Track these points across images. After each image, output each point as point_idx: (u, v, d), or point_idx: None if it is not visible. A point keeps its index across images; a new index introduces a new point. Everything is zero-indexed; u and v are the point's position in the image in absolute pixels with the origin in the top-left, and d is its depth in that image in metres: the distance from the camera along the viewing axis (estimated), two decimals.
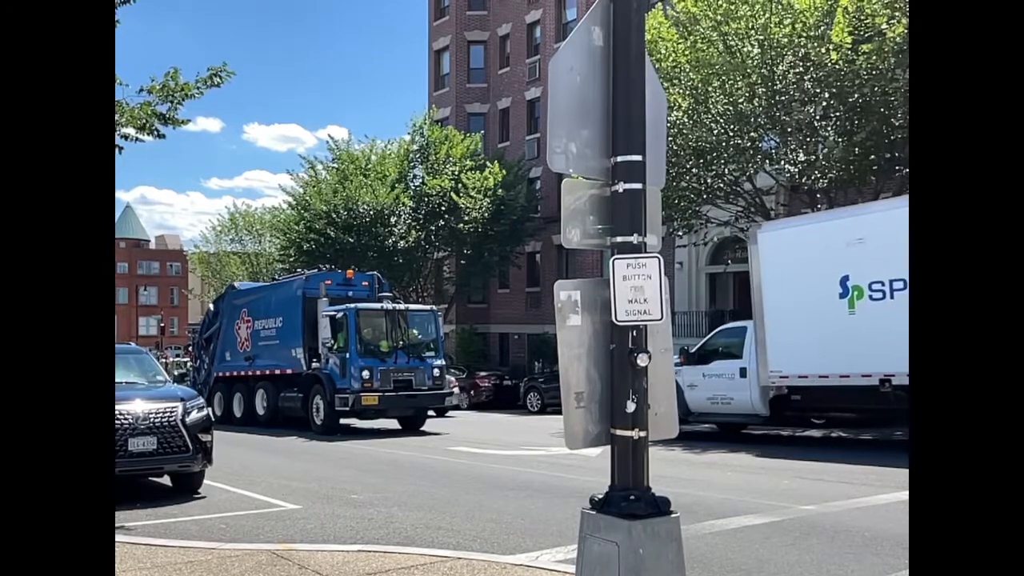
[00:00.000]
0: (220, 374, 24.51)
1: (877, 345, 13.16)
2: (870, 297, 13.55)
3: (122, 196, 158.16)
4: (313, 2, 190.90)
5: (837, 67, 18.23)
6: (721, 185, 22.28)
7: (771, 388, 14.97)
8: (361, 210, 33.62)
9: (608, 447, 4.07)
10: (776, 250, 15.15)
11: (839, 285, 13.89)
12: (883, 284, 13.42)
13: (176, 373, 36.20)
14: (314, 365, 20.60)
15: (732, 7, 19.49)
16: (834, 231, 14.31)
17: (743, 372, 15.61)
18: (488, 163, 34.73)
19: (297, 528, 8.43)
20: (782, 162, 20.56)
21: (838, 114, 19.38)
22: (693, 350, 17.15)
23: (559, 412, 4.21)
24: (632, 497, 3.94)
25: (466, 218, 33.54)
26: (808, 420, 16.99)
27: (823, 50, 18.29)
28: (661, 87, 4.64)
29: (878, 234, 13.34)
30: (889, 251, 12.99)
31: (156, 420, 10.01)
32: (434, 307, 23.68)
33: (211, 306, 27.88)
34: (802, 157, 19.93)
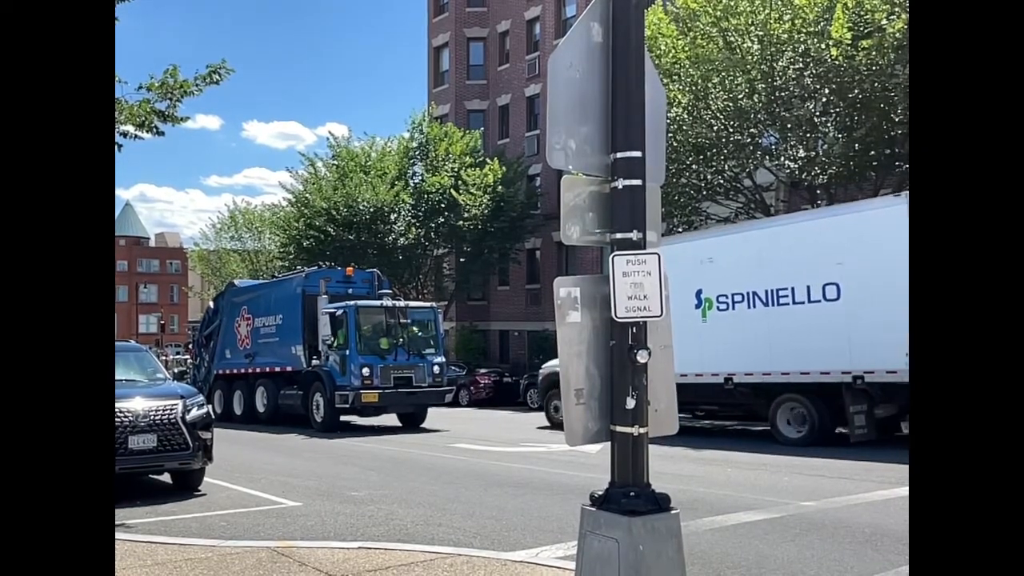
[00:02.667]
0: (220, 372, 24.52)
1: (722, 349, 15.32)
2: (718, 308, 15.62)
3: (122, 194, 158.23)
4: None
5: (837, 63, 18.22)
6: (721, 181, 22.28)
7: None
8: (361, 207, 33.61)
9: (608, 444, 4.07)
10: (677, 258, 16.31)
11: (695, 297, 15.94)
12: (727, 297, 15.50)
13: (176, 371, 36.20)
14: (314, 362, 20.61)
15: (732, 3, 19.48)
16: (692, 250, 16.15)
17: None
18: (488, 160, 34.72)
19: (297, 525, 8.43)
20: (782, 158, 20.56)
21: (838, 110, 19.38)
22: None
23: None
24: (632, 494, 3.94)
25: (466, 215, 33.53)
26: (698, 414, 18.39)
27: (823, 46, 18.28)
28: (660, 83, 4.63)
29: (723, 255, 15.29)
30: (731, 270, 15.22)
31: (156, 418, 10.01)
32: (434, 304, 23.68)
33: (211, 304, 27.88)
34: (802, 153, 19.93)
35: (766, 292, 14.88)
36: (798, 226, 15.34)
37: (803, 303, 14.53)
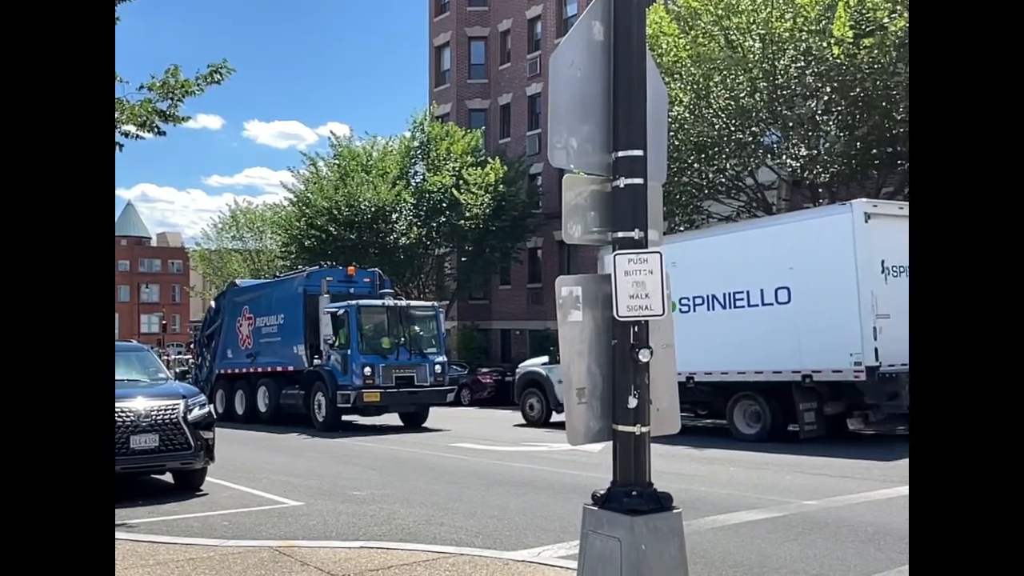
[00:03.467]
0: (222, 371, 24.52)
1: (685, 350, 14.97)
2: (680, 310, 15.77)
3: (123, 194, 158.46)
4: None
5: (839, 61, 18.20)
6: (723, 180, 22.26)
7: None
8: (362, 207, 33.60)
9: (610, 443, 4.06)
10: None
11: None
12: (689, 300, 16.00)
13: (178, 370, 36.22)
14: (316, 362, 20.61)
15: (733, 2, 19.46)
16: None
17: None
18: (489, 159, 34.70)
19: (299, 525, 8.43)
20: (784, 157, 20.54)
21: (839, 108, 19.37)
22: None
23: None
24: (634, 493, 3.94)
25: (467, 214, 33.52)
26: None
27: (824, 44, 18.27)
28: (662, 82, 4.62)
29: (686, 260, 15.34)
30: (693, 274, 15.48)
31: (158, 417, 10.01)
32: (435, 304, 23.68)
33: (212, 303, 27.88)
34: (804, 152, 19.92)
35: (724, 295, 15.40)
36: (754, 232, 15.89)
37: (757, 306, 15.03)
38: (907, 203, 15.78)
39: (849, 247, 13.45)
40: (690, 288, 15.78)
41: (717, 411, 16.55)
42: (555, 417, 19.55)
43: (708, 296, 15.72)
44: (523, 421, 20.22)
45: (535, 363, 21.12)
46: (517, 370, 22.14)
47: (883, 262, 13.58)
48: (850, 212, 13.58)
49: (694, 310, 15.87)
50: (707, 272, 15.62)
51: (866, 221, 13.45)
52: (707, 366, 15.53)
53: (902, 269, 13.63)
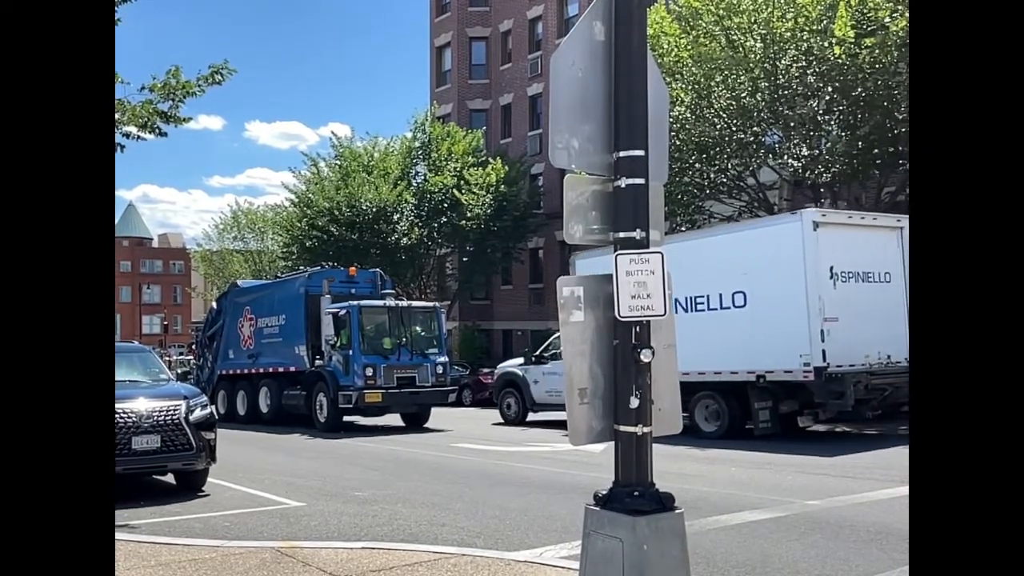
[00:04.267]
0: (223, 372, 24.53)
1: None
2: None
3: (124, 195, 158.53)
4: None
5: (840, 61, 18.19)
6: (724, 180, 22.25)
7: None
8: (364, 207, 33.62)
9: (611, 443, 4.06)
10: (586, 273, 17.77)
11: None
12: None
13: (179, 371, 36.24)
14: (317, 362, 20.61)
15: (734, 2, 19.45)
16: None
17: None
18: (490, 159, 34.71)
19: (301, 525, 8.43)
20: (785, 156, 20.53)
21: (841, 108, 19.36)
22: (536, 353, 20.74)
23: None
24: (636, 493, 3.93)
25: (468, 215, 33.53)
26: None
27: (826, 44, 18.26)
28: (663, 82, 4.62)
29: None
30: None
31: (160, 418, 10.01)
32: (437, 304, 23.68)
33: (214, 304, 27.88)
34: (805, 151, 19.90)
35: (686, 299, 15.88)
36: (713, 239, 16.59)
37: (716, 309, 15.63)
38: (856, 212, 16.82)
39: (799, 254, 14.15)
40: None
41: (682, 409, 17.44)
42: (531, 416, 20.29)
43: (672, 300, 16.14)
44: (501, 420, 20.80)
45: (512, 364, 21.79)
46: (496, 371, 22.94)
47: (832, 268, 14.21)
48: (800, 221, 14.23)
49: None
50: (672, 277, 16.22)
51: (814, 229, 14.07)
52: None
53: (850, 275, 14.41)
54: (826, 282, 14.07)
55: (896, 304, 14.68)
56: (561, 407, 19.16)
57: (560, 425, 18.76)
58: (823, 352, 13.85)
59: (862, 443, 14.27)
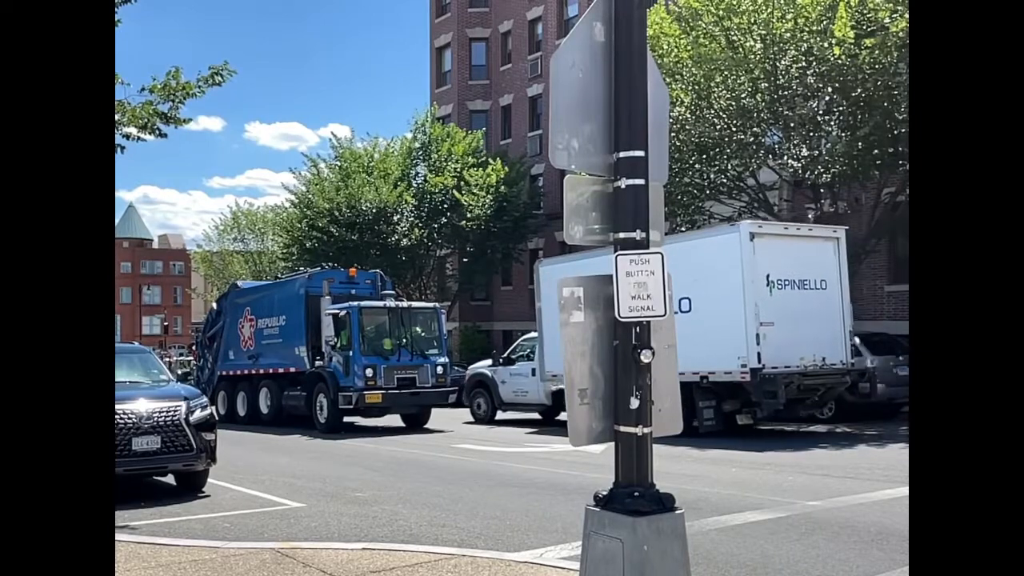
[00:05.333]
0: (224, 373, 24.53)
1: None
2: None
3: (125, 196, 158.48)
4: (314, 0, 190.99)
5: (840, 62, 18.18)
6: (724, 180, 22.24)
7: (552, 384, 19.10)
8: (364, 208, 33.61)
9: (612, 444, 4.06)
10: (550, 279, 19.13)
11: None
12: None
13: (180, 372, 36.23)
14: (317, 363, 20.60)
15: (734, 2, 19.44)
16: (581, 267, 18.24)
17: (534, 372, 19.73)
18: (490, 160, 34.71)
19: (301, 526, 8.43)
20: (785, 157, 20.52)
21: (841, 109, 19.35)
22: (504, 355, 21.97)
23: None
24: (636, 494, 3.93)
25: (468, 215, 33.52)
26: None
27: (826, 45, 18.24)
28: (663, 82, 4.62)
29: (607, 271, 17.55)
30: None
31: (160, 419, 10.01)
32: (437, 304, 23.67)
33: (214, 305, 27.88)
34: (805, 152, 19.89)
35: None
36: (666, 248, 17.23)
37: None
38: (793, 224, 17.73)
39: (737, 263, 15.02)
40: None
41: None
42: (499, 415, 21.21)
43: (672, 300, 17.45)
44: (471, 419, 21.55)
45: (482, 365, 22.56)
46: (467, 371, 23.84)
47: (768, 276, 15.13)
48: (738, 232, 15.27)
49: None
50: None
51: (751, 240, 15.03)
52: None
53: (786, 282, 15.36)
54: (763, 289, 15.00)
55: (832, 309, 15.74)
56: (526, 407, 21.02)
57: (525, 424, 20.34)
58: (758, 354, 14.77)
59: (863, 443, 14.27)
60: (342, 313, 19.76)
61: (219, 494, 10.49)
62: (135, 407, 9.94)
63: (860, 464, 11.98)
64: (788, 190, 23.47)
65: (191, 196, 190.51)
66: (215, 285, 55.75)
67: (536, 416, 20.95)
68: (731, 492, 9.84)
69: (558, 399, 19.48)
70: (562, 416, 19.82)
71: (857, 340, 18.43)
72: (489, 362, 22.21)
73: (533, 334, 21.30)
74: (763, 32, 19.10)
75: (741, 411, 16.06)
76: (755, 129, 20.40)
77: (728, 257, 15.20)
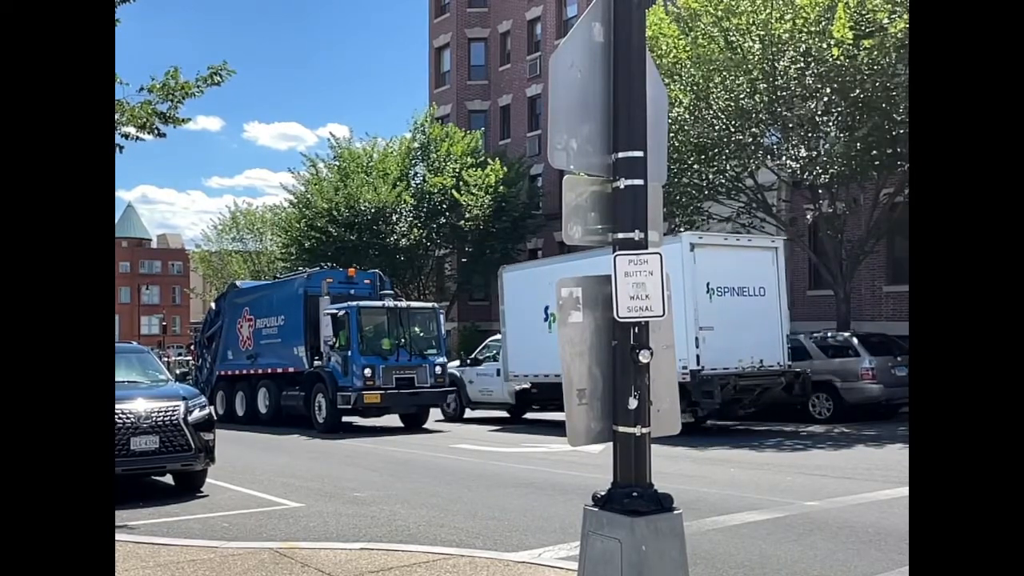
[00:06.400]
0: (222, 373, 24.51)
1: (555, 356, 18.38)
2: (551, 324, 18.45)
3: (123, 195, 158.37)
4: (313, 0, 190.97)
5: (838, 62, 18.19)
6: (723, 181, 22.25)
7: (515, 384, 20.43)
8: (363, 208, 33.61)
9: (610, 444, 4.06)
10: (512, 285, 20.67)
11: (544, 312, 19.10)
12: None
13: (178, 372, 36.19)
14: (316, 363, 20.59)
15: (733, 3, 19.45)
16: (542, 274, 19.50)
17: (499, 372, 20.73)
18: (489, 160, 34.71)
19: (300, 526, 8.43)
20: (784, 158, 20.54)
21: (840, 109, 19.36)
22: (471, 356, 23.10)
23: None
24: (635, 494, 3.94)
25: (467, 215, 33.52)
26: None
27: (824, 45, 18.25)
28: (662, 83, 4.63)
29: (559, 278, 18.73)
30: None
31: (158, 419, 10.01)
32: (436, 305, 23.67)
33: (213, 305, 27.85)
34: (804, 153, 19.91)
35: None
36: (606, 258, 18.07)
37: None
38: (732, 235, 18.64)
39: (679, 271, 15.56)
40: None
41: None
42: (468, 413, 22.03)
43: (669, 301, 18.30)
44: (441, 417, 22.05)
45: (451, 365, 22.94)
46: None
47: (708, 284, 16.06)
48: (680, 243, 16.07)
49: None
50: None
51: (691, 250, 15.98)
52: None
53: (726, 289, 16.24)
54: (703, 296, 15.93)
55: (770, 315, 16.64)
56: (492, 405, 21.93)
57: (491, 422, 21.20)
58: (697, 357, 15.67)
59: (861, 444, 14.28)
60: (341, 313, 19.75)
61: (217, 494, 10.48)
62: (133, 407, 9.93)
63: (858, 465, 11.99)
64: (787, 191, 23.48)
65: (190, 196, 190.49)
66: (214, 285, 55.69)
67: (504, 414, 21.86)
68: (729, 492, 9.85)
69: (521, 398, 20.78)
70: (529, 415, 21.41)
71: (856, 340, 18.56)
72: (457, 363, 23.07)
73: (495, 336, 22.54)
74: (762, 33, 19.11)
75: (685, 411, 16.63)
76: (754, 130, 20.41)
77: (670, 266, 15.67)
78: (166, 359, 45.26)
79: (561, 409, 22.58)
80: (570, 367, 4.04)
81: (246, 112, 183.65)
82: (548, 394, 19.88)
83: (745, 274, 16.52)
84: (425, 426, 20.22)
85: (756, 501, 9.18)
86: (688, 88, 20.34)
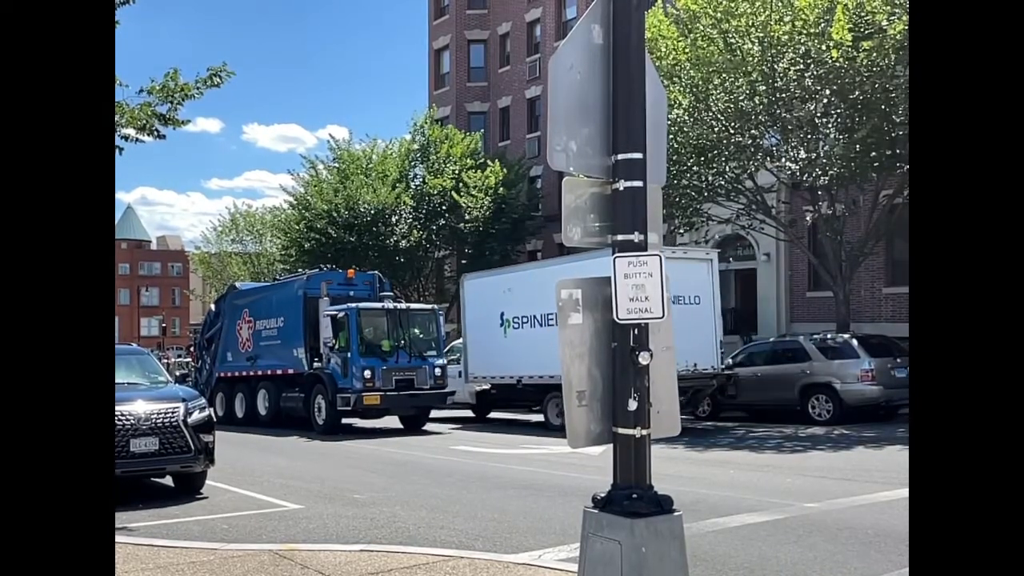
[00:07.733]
0: (222, 374, 24.50)
1: (516, 358, 19.92)
2: (513, 327, 20.16)
3: (123, 197, 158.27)
4: (313, 2, 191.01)
5: (838, 64, 18.20)
6: (722, 183, 22.25)
7: (475, 385, 21.84)
8: (362, 209, 33.58)
9: (610, 446, 4.06)
10: (472, 292, 21.91)
11: (499, 318, 20.39)
12: (519, 318, 20.03)
13: (178, 374, 36.18)
14: (316, 365, 20.58)
15: (732, 5, 19.45)
16: (499, 283, 21.16)
17: (460, 374, 21.79)
18: (489, 162, 34.69)
19: (299, 528, 8.43)
20: (783, 159, 20.53)
21: (839, 111, 19.36)
22: None
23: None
24: (634, 495, 3.94)
25: (467, 217, 33.50)
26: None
27: (823, 47, 18.26)
28: (661, 85, 4.63)
29: (518, 286, 20.11)
30: (522, 298, 19.76)
31: (158, 421, 10.01)
32: (435, 306, 23.67)
33: (212, 307, 27.84)
34: (803, 154, 19.90)
35: (541, 315, 19.08)
36: (561, 267, 19.02)
37: (555, 325, 18.70)
38: (668, 247, 19.10)
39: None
40: (520, 309, 19.89)
41: (541, 407, 20.21)
42: (433, 412, 21.98)
43: (531, 316, 19.56)
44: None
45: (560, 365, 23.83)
46: None
47: None
48: (608, 256, 17.15)
49: (522, 327, 19.93)
50: (531, 297, 19.31)
51: None
52: (531, 371, 19.34)
53: (675, 298, 16.72)
54: None
55: (704, 322, 17.42)
56: (455, 405, 22.82)
57: (458, 421, 22.13)
58: None
59: (861, 445, 14.28)
60: (340, 315, 19.74)
61: (217, 495, 10.48)
62: (133, 409, 9.93)
63: (858, 466, 11.99)
64: (786, 192, 23.48)
65: (189, 197, 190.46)
66: (213, 286, 55.66)
67: (468, 413, 23.09)
68: (729, 494, 9.85)
69: (482, 398, 22.36)
70: (493, 415, 22.68)
71: (855, 341, 18.58)
72: None
73: (458, 340, 23.55)
74: (761, 35, 19.12)
75: None
76: (753, 131, 20.41)
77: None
78: (165, 361, 45.22)
79: (517, 408, 21.39)
80: (570, 369, 4.04)
81: (245, 114, 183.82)
82: (505, 394, 21.31)
83: (680, 284, 16.72)
84: (425, 427, 20.22)
85: (756, 503, 9.18)
86: (687, 90, 20.34)
